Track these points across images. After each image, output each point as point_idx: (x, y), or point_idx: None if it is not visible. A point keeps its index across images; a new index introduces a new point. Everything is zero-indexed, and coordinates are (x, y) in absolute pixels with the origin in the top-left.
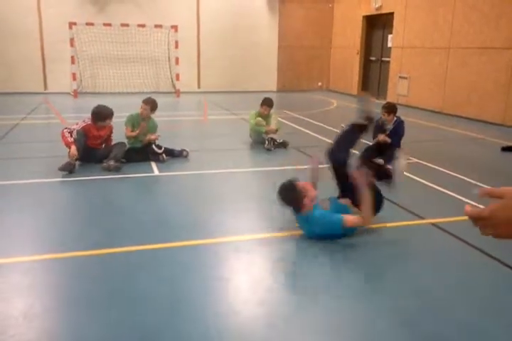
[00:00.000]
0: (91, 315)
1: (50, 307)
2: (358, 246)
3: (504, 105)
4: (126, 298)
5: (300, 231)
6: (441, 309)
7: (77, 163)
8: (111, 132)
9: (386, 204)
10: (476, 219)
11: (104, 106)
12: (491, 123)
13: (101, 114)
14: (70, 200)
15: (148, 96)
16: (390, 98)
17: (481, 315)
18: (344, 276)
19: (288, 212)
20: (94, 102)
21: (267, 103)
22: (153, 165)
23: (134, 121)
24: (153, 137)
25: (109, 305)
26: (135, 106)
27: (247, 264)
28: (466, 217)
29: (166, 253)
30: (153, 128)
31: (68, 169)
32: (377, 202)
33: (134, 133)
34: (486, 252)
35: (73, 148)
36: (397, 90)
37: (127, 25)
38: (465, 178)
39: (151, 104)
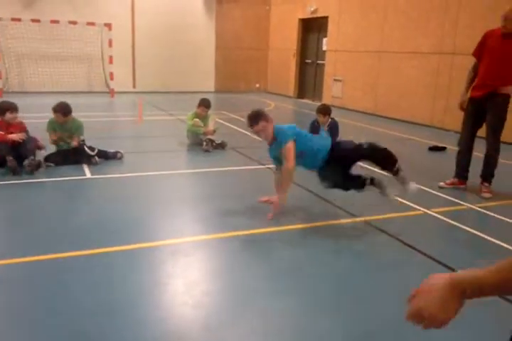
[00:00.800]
0: (17, 326)
1: None
2: (293, 245)
3: (432, 107)
4: (57, 305)
5: (237, 232)
6: (371, 305)
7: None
8: (25, 131)
9: (320, 203)
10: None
11: (5, 101)
12: (420, 124)
13: None
14: None
15: (59, 101)
16: (325, 100)
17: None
18: (280, 277)
19: (224, 214)
20: (21, 102)
21: (205, 104)
22: (86, 167)
23: (54, 126)
24: (75, 143)
25: (38, 314)
26: None
27: (184, 267)
28: (396, 214)
29: (100, 259)
30: (78, 129)
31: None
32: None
33: (53, 137)
34: (414, 247)
35: (13, 135)
36: (331, 92)
37: (57, 21)
38: None
39: (62, 111)
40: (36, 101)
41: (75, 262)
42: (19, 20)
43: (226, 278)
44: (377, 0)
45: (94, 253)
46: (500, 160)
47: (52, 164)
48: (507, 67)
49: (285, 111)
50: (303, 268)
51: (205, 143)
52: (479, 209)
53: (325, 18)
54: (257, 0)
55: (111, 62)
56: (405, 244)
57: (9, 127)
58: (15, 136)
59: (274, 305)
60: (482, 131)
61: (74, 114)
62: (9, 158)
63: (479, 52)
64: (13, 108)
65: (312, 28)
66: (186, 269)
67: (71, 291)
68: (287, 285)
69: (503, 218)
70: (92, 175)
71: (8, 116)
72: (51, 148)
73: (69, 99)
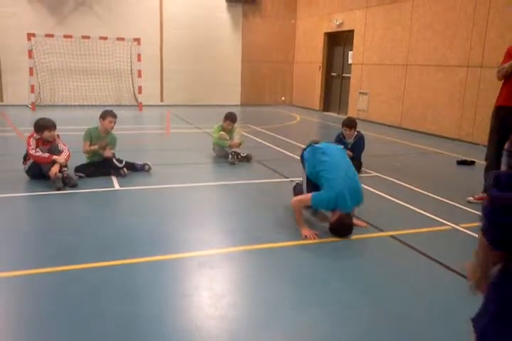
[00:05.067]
0: (46, 334)
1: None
2: (319, 258)
3: (459, 121)
4: (84, 315)
5: (262, 245)
6: (397, 320)
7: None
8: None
9: None
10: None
11: (44, 118)
12: (446, 137)
13: (37, 125)
14: (25, 216)
15: (109, 108)
16: (351, 113)
17: (435, 324)
18: (307, 289)
19: (250, 227)
20: (53, 115)
21: (231, 118)
22: (114, 179)
23: (92, 136)
24: (108, 154)
25: (66, 324)
26: (95, 119)
27: (210, 279)
28: (423, 229)
29: (127, 270)
30: (112, 142)
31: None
32: None
33: (92, 148)
34: (442, 263)
35: (57, 157)
36: (357, 105)
37: (88, 37)
38: (423, 191)
39: (115, 116)
40: (67, 114)
41: (101, 273)
42: (52, 36)
43: (252, 290)
44: (402, 13)
45: (121, 264)
46: None
47: (83, 175)
48: None
49: (310, 124)
50: (329, 281)
51: (230, 156)
52: None
53: (351, 32)
54: (282, 14)
55: (139, 76)
56: (433, 259)
57: (46, 144)
58: (60, 159)
59: (301, 316)
60: None
61: None
62: (58, 181)
63: None
64: (51, 126)
65: (338, 41)
66: (212, 281)
67: (97, 302)
68: (314, 297)
69: None
70: (120, 186)
71: (47, 134)
72: (79, 159)
73: (98, 113)
